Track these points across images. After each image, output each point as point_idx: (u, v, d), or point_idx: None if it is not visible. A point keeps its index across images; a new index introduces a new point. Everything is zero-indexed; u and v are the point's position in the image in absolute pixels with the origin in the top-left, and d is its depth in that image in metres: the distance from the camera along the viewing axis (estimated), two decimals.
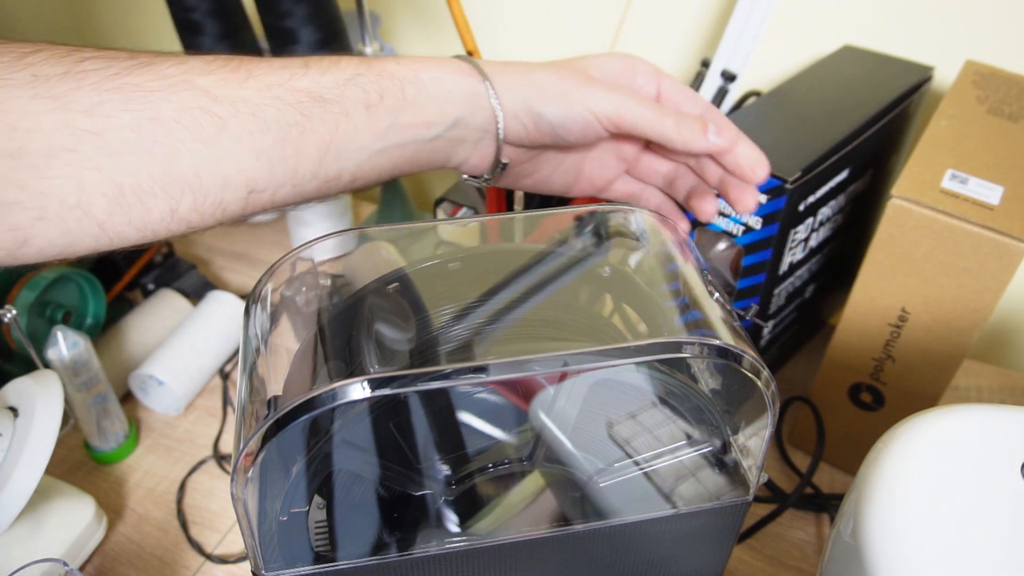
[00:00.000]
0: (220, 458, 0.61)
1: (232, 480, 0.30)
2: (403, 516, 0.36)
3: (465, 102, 0.38)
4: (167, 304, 0.71)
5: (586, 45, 0.77)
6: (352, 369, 0.35)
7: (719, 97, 0.60)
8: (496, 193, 0.58)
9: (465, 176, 0.42)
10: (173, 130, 0.30)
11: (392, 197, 0.82)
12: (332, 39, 0.58)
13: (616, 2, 0.73)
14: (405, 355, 0.36)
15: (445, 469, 0.35)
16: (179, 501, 0.58)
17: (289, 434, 0.31)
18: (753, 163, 0.40)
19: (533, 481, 0.42)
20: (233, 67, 0.33)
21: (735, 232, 0.52)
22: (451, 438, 0.35)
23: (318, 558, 0.35)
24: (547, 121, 0.39)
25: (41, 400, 0.50)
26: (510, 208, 0.60)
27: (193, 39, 0.68)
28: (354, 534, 0.38)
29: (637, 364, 0.34)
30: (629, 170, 0.46)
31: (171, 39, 0.69)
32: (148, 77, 0.30)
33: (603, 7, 0.74)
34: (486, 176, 0.42)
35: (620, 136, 0.42)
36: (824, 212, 0.55)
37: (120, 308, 0.71)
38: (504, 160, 0.41)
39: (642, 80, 0.42)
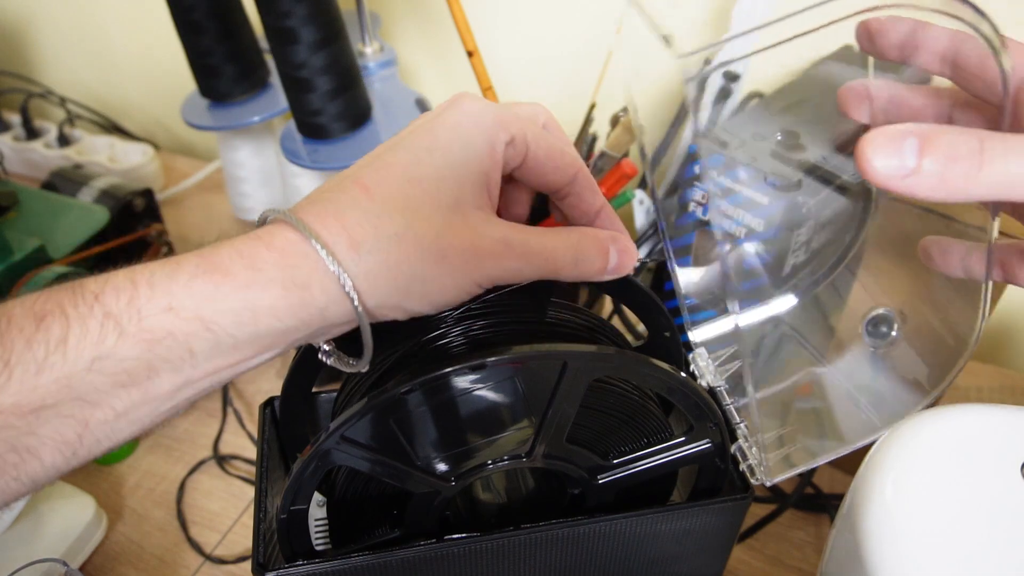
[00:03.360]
0: (220, 458, 0.61)
1: None
2: (403, 513, 0.36)
3: (300, 326, 0.27)
4: None
5: (586, 45, 0.77)
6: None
7: (722, 97, 0.60)
8: None
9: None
10: None
11: None
12: (332, 39, 0.58)
13: (616, 1, 0.73)
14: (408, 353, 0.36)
15: (445, 466, 0.35)
16: (179, 501, 0.58)
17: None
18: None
19: (533, 478, 0.42)
20: None
21: (738, 234, 0.52)
22: (452, 435, 0.35)
23: (318, 555, 0.35)
24: (420, 311, 0.30)
25: None
26: None
27: (193, 39, 0.68)
28: (354, 531, 0.38)
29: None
30: None
31: (172, 38, 0.69)
32: None
33: (603, 7, 0.74)
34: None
35: None
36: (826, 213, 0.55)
37: None
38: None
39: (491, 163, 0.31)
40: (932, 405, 0.43)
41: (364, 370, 0.31)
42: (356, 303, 0.27)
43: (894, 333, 0.33)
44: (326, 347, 0.31)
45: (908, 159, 0.25)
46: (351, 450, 0.33)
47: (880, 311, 0.34)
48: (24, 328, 0.24)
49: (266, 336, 0.27)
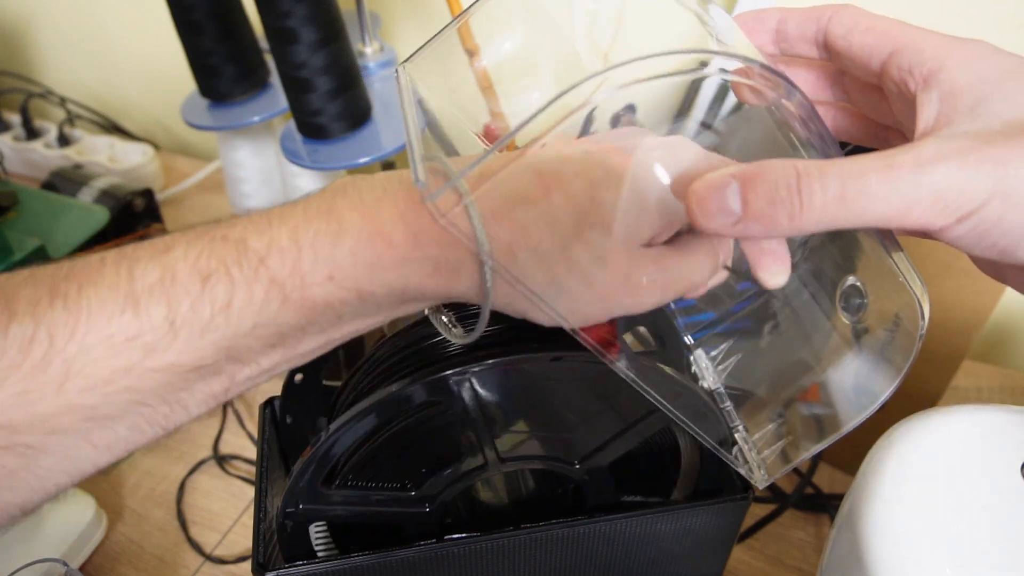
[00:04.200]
0: (220, 458, 0.61)
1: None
2: (405, 512, 0.36)
3: (434, 299, 0.28)
4: None
5: (584, 46, 0.77)
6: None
7: (720, 97, 0.60)
8: None
9: None
10: None
11: None
12: (332, 39, 0.58)
13: (613, 1, 0.73)
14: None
15: (447, 467, 0.35)
16: (179, 501, 0.58)
17: None
18: None
19: (534, 480, 0.42)
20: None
21: None
22: (456, 435, 0.35)
23: (317, 554, 0.35)
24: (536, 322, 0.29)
25: None
26: None
27: (193, 39, 0.68)
28: (354, 530, 0.38)
29: None
30: None
31: (172, 39, 0.69)
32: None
33: (602, 6, 0.74)
34: None
35: None
36: None
37: None
38: None
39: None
40: (932, 402, 0.43)
41: (467, 342, 0.30)
42: (490, 301, 0.27)
43: (865, 301, 0.33)
44: (444, 318, 0.31)
45: (733, 205, 0.24)
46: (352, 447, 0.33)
47: (849, 282, 0.34)
48: (190, 289, 0.25)
49: (407, 305, 0.27)
